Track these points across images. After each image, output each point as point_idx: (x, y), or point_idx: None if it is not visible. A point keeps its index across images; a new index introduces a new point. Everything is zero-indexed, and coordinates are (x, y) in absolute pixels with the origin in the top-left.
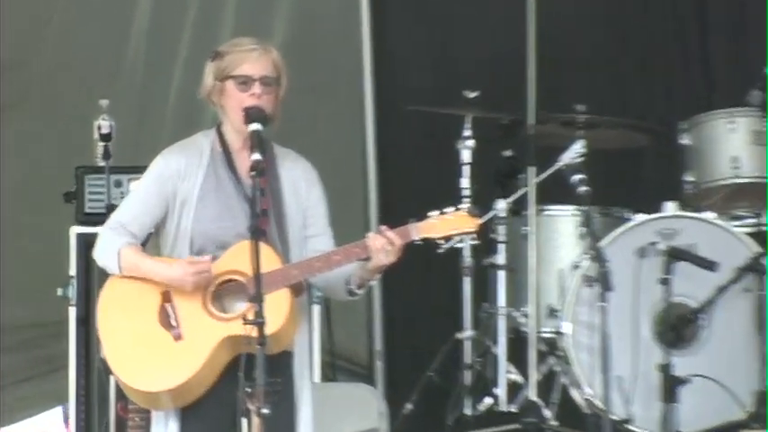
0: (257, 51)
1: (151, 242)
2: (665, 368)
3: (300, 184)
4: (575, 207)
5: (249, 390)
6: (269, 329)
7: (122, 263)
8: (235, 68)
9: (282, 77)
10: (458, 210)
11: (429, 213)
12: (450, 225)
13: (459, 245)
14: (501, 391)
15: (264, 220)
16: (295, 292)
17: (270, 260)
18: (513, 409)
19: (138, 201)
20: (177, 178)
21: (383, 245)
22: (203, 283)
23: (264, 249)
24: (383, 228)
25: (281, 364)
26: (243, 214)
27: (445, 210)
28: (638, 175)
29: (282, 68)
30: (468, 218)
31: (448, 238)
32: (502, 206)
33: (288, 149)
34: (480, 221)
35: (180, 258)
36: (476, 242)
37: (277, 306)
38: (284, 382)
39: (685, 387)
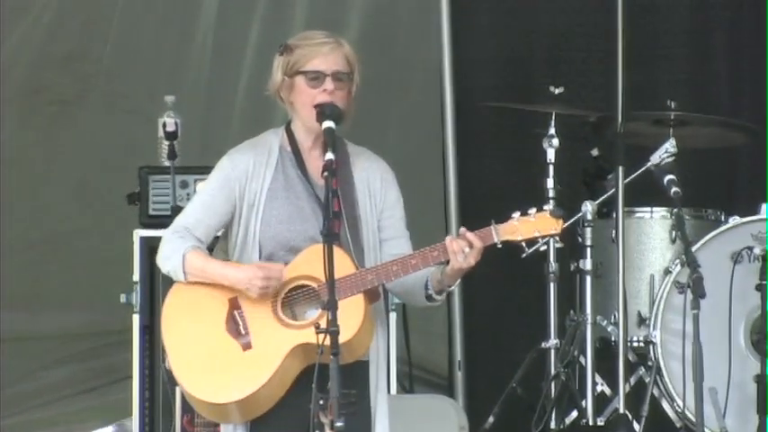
0: (329, 45)
1: (218, 246)
2: (761, 379)
3: (376, 185)
4: (665, 209)
5: (322, 402)
6: (342, 338)
7: (187, 267)
8: (305, 63)
9: (355, 72)
10: (540, 211)
11: (512, 215)
12: (532, 227)
13: (543, 247)
14: (588, 403)
15: (336, 222)
16: (370, 299)
17: (343, 265)
18: (601, 422)
19: (203, 203)
20: (245, 179)
21: (462, 247)
22: (270, 292)
23: (338, 253)
24: (463, 230)
25: (356, 375)
26: (314, 217)
27: (527, 211)
28: (731, 176)
29: (355, 63)
30: (551, 219)
31: (530, 241)
32: (589, 208)
33: (362, 148)
34: (564, 223)
35: (250, 262)
36: (559, 245)
37: (351, 313)
38: (360, 393)
39: None
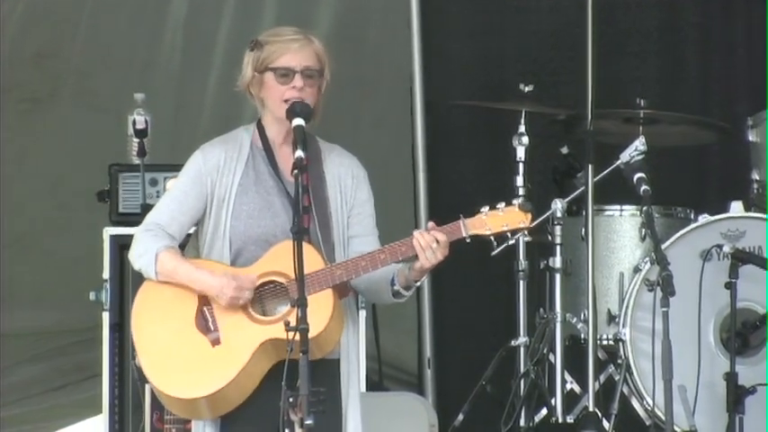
0: (299, 42)
1: (190, 244)
2: (730, 377)
3: (347, 182)
4: (635, 207)
5: (291, 399)
6: (310, 333)
7: (159, 267)
8: (275, 60)
9: (326, 69)
10: (509, 205)
11: (481, 209)
12: (500, 221)
13: (512, 242)
14: (558, 401)
15: (306, 217)
16: (340, 294)
17: (313, 260)
18: (571, 420)
19: (175, 200)
20: (216, 173)
21: (430, 242)
22: (240, 303)
23: (307, 249)
24: (431, 224)
25: (327, 372)
26: (284, 212)
27: (496, 205)
28: (701, 174)
29: (325, 59)
30: (520, 213)
31: (499, 235)
32: (559, 206)
33: (333, 145)
34: (533, 218)
35: (223, 264)
36: (528, 239)
37: (319, 308)
38: (331, 391)
39: (751, 397)
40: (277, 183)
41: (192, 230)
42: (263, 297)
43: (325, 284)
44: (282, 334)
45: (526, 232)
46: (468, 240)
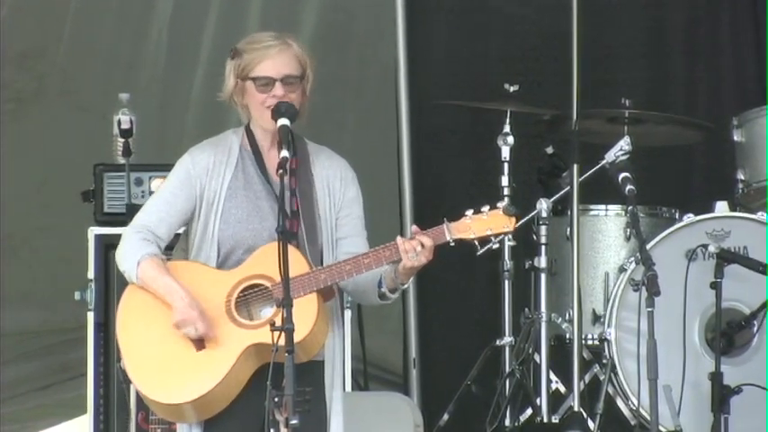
0: (275, 48)
1: (178, 245)
2: (716, 377)
3: (335, 184)
4: (620, 207)
5: (277, 399)
6: (296, 337)
7: (140, 273)
8: (254, 69)
9: (307, 71)
10: (494, 208)
11: (465, 213)
12: (485, 225)
13: (496, 246)
14: (543, 401)
15: (293, 221)
16: (324, 297)
17: (297, 264)
18: (556, 419)
19: (165, 201)
20: (205, 177)
21: (414, 246)
22: (183, 331)
23: (292, 252)
24: (414, 228)
25: (310, 373)
26: (272, 215)
27: (481, 209)
28: (686, 174)
29: (306, 61)
30: (504, 217)
31: (483, 240)
32: (544, 206)
33: (322, 147)
34: (517, 221)
35: (208, 268)
36: (512, 243)
37: (304, 312)
38: (314, 391)
39: (737, 397)
40: (266, 186)
41: (180, 231)
42: (247, 301)
43: (310, 288)
44: (267, 338)
45: (510, 236)
46: (452, 244)
